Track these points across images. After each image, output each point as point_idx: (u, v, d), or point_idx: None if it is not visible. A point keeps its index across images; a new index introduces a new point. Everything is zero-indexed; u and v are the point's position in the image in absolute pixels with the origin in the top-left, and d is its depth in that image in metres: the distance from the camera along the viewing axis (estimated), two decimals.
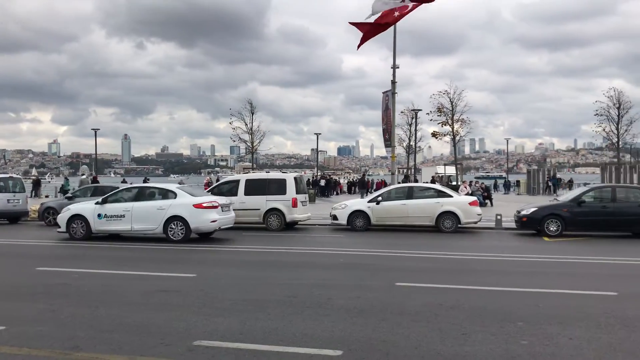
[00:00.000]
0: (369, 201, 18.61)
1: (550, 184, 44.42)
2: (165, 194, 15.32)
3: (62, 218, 15.75)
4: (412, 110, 42.84)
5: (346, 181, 57.92)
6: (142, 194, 15.59)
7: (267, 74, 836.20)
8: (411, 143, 44.43)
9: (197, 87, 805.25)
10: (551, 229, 16.16)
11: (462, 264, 11.53)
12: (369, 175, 75.79)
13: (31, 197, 34.71)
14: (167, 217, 14.71)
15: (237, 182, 19.19)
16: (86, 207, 15.80)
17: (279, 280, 9.25)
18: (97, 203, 15.61)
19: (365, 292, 8.25)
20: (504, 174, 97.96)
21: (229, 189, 19.08)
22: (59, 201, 22.41)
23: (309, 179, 44.42)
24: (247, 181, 18.95)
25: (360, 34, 18.43)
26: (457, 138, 39.19)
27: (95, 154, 56.96)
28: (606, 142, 43.44)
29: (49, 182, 78.07)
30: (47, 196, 39.21)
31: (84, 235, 15.35)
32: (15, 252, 13.83)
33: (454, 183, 37.01)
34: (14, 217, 21.82)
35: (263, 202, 18.32)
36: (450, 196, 18.30)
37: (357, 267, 10.90)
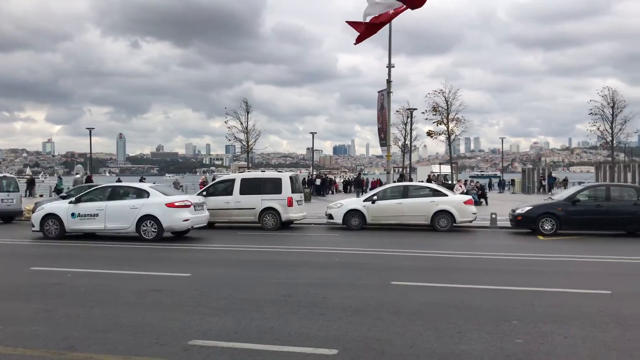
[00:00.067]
0: (365, 200, 18.62)
1: (543, 183, 44.60)
2: (138, 193, 15.42)
3: (36, 217, 15.77)
4: (407, 109, 42.93)
5: (342, 180, 57.98)
6: (115, 193, 15.69)
7: (262, 73, 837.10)
8: (406, 142, 44.54)
9: (193, 86, 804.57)
10: (546, 227, 16.21)
11: (457, 263, 11.56)
12: (364, 174, 75.90)
13: (25, 196, 34.53)
14: (140, 216, 14.82)
15: (232, 181, 19.15)
16: (60, 206, 15.89)
17: (274, 280, 9.24)
18: (70, 202, 15.72)
19: (360, 291, 8.26)
20: (498, 173, 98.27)
21: (225, 188, 19.05)
22: (52, 200, 22.29)
23: (304, 178, 44.39)
24: (243, 180, 18.91)
25: (357, 32, 18.48)
26: (452, 137, 39.34)
27: (90, 153, 56.66)
28: (600, 141, 43.67)
29: (43, 181, 77.75)
30: (41, 195, 39.04)
31: (58, 235, 15.38)
32: (9, 252, 13.79)
33: (450, 182, 37.10)
34: (8, 217, 21.73)
35: (258, 202, 18.30)
36: (446, 195, 18.33)
37: (353, 266, 10.90)
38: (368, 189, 39.38)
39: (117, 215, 14.99)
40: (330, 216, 18.68)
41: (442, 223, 17.62)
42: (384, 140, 25.21)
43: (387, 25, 21.81)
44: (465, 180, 40.38)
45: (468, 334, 5.94)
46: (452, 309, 7.11)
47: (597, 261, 11.77)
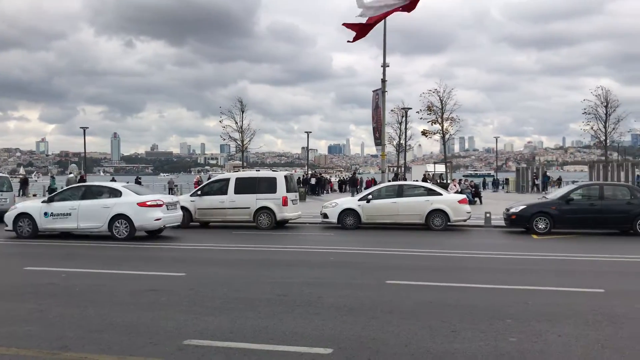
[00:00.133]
0: (360, 199, 18.64)
1: (536, 182, 44.79)
2: (111, 192, 15.49)
3: (9, 216, 15.83)
4: (402, 108, 43.05)
5: (337, 179, 57.98)
6: (88, 193, 15.74)
7: (257, 72, 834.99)
8: (401, 141, 44.62)
9: (187, 85, 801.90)
10: (540, 226, 16.28)
11: (452, 262, 11.59)
12: (359, 173, 75.91)
13: (19, 195, 34.45)
14: (112, 216, 14.90)
15: (227, 180, 19.12)
16: (33, 205, 16.03)
17: (269, 279, 9.23)
18: (43, 201, 15.87)
19: (355, 290, 8.27)
20: (491, 172, 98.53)
21: (219, 187, 19.02)
22: None
23: (299, 178, 44.37)
24: (237, 180, 18.89)
25: (353, 32, 18.61)
26: (447, 136, 39.48)
27: (84, 152, 56.50)
28: (594, 140, 43.90)
29: (36, 180, 77.39)
30: (34, 195, 38.96)
31: (31, 234, 15.43)
32: (2, 251, 13.73)
33: (445, 181, 37.20)
34: (1, 217, 21.59)
35: (253, 201, 18.28)
36: (440, 194, 18.37)
37: (348, 265, 10.91)
38: (363, 188, 39.42)
39: (90, 214, 15.08)
40: (325, 215, 18.69)
41: (437, 222, 17.66)
42: (378, 139, 25.27)
43: (382, 25, 21.92)
44: (460, 180, 40.52)
45: (462, 333, 5.96)
46: (446, 307, 7.14)
47: (591, 260, 11.84)
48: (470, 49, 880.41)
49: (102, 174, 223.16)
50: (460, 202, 18.23)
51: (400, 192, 18.58)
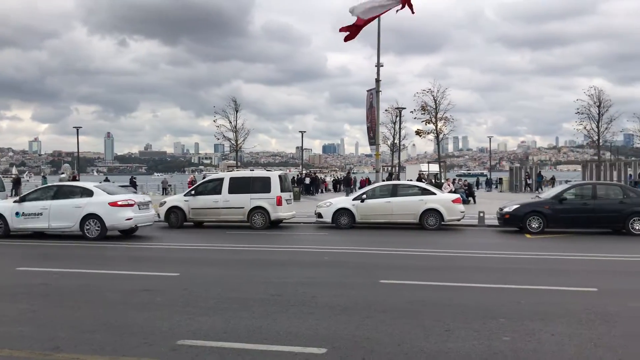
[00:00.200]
0: (354, 199, 18.64)
1: (529, 181, 44.96)
2: (83, 192, 15.49)
3: None
4: (396, 108, 43.00)
5: (332, 179, 57.97)
6: (60, 193, 15.72)
7: (251, 71, 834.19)
8: (395, 141, 44.60)
9: (181, 84, 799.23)
10: (533, 226, 16.34)
11: (446, 261, 11.61)
12: (353, 173, 75.94)
13: (11, 195, 34.17)
14: (84, 215, 14.91)
15: (221, 180, 19.08)
16: (5, 205, 16.03)
17: (263, 279, 9.22)
18: (15, 201, 15.94)
19: (349, 289, 8.27)
20: (485, 172, 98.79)
21: (213, 187, 18.98)
22: None
23: (293, 177, 44.34)
24: (231, 179, 18.84)
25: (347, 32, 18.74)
26: (441, 136, 39.54)
27: (77, 152, 56.26)
28: (587, 140, 44.11)
29: (28, 180, 77.00)
30: None
31: (3, 234, 15.45)
32: None
33: (440, 181, 37.28)
34: None
35: (247, 201, 18.24)
36: (434, 194, 18.41)
37: (342, 265, 10.91)
38: (357, 188, 39.45)
39: (61, 214, 15.08)
40: (319, 215, 18.68)
41: (431, 221, 17.69)
42: (373, 139, 25.25)
43: (376, 25, 21.92)
44: (453, 179, 40.61)
45: (456, 332, 5.97)
46: (440, 307, 7.15)
47: (584, 259, 11.90)
48: (464, 49, 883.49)
49: (95, 173, 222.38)
50: (454, 201, 18.27)
51: (394, 191, 18.60)
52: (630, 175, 40.56)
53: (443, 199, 18.29)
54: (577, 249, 13.23)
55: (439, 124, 38.49)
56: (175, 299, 7.70)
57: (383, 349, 5.45)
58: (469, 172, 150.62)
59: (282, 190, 18.48)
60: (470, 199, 31.66)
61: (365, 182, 42.58)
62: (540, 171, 50.15)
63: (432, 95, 38.29)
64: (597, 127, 40.90)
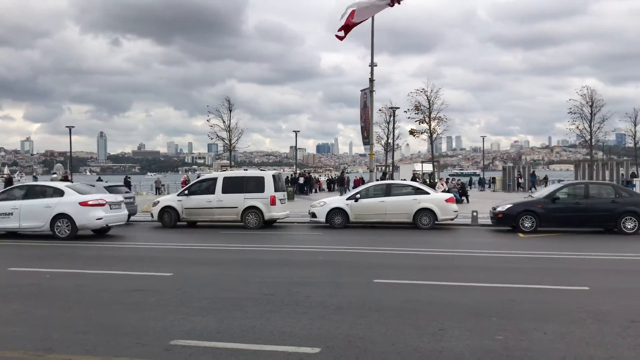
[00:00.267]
0: (348, 199, 18.65)
1: (520, 181, 45.14)
2: (53, 192, 15.53)
3: None
4: (390, 108, 43.06)
5: (326, 179, 57.98)
6: (31, 192, 15.78)
7: (245, 71, 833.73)
8: (389, 140, 44.66)
9: (174, 84, 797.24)
10: (526, 225, 16.41)
11: (439, 261, 11.64)
12: (347, 172, 75.99)
13: None
14: (54, 215, 14.94)
15: (214, 180, 19.04)
16: None
17: (257, 279, 9.21)
18: None
19: (343, 289, 8.28)
20: (478, 171, 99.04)
21: (207, 187, 18.94)
22: None
23: (287, 177, 44.31)
24: (225, 179, 18.80)
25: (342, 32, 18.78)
26: (434, 136, 39.65)
27: (70, 152, 55.96)
28: (579, 139, 44.36)
29: (19, 180, 76.57)
30: None
31: None
32: None
33: (435, 181, 37.38)
34: None
35: (241, 200, 18.22)
36: (428, 193, 18.46)
37: (336, 264, 10.91)
38: (350, 187, 39.48)
39: (32, 214, 15.10)
40: (313, 215, 18.69)
41: (424, 221, 17.73)
42: (366, 138, 25.24)
43: (370, 25, 21.95)
44: (447, 179, 40.71)
45: (449, 331, 5.99)
46: (433, 306, 7.17)
47: (576, 258, 11.96)
48: (457, 48, 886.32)
49: (88, 173, 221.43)
50: (447, 201, 18.32)
51: (388, 191, 18.63)
52: (622, 174, 40.83)
53: (437, 199, 18.33)
54: (569, 248, 13.30)
55: (433, 124, 38.64)
56: (168, 299, 7.68)
57: (377, 348, 5.46)
58: (462, 171, 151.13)
59: (275, 190, 18.46)
60: (464, 198, 31.74)
61: (359, 181, 42.63)
62: (533, 171, 50.31)
63: (426, 95, 38.44)
64: (590, 126, 41.16)
